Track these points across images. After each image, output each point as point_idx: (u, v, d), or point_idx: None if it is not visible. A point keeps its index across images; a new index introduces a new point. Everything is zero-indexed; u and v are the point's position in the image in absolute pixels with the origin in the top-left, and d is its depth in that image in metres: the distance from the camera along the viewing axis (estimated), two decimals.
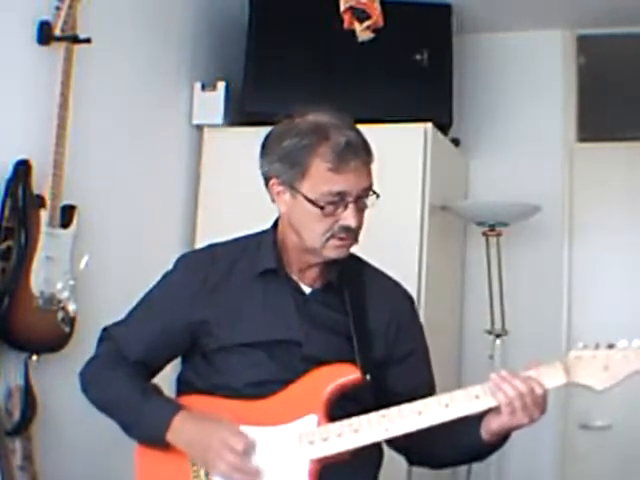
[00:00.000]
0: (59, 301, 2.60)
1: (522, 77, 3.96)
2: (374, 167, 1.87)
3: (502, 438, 1.81)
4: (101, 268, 2.86)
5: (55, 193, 2.60)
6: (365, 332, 1.87)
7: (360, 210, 1.81)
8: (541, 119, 3.92)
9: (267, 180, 1.86)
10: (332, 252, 1.82)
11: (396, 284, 2.03)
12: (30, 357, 2.57)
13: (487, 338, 3.57)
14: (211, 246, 1.98)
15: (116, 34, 3.03)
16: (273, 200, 1.87)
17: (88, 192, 2.83)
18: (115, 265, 3.01)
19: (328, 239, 1.80)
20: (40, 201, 2.59)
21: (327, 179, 1.76)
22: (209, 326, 1.86)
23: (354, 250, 1.94)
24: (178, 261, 1.97)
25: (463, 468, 3.70)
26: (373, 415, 1.74)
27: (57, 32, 2.67)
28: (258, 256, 1.90)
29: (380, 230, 3.29)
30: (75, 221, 2.69)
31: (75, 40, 2.69)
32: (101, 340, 1.97)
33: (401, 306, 1.99)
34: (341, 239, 1.80)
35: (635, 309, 3.65)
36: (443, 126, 3.53)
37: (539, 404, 1.75)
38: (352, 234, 1.81)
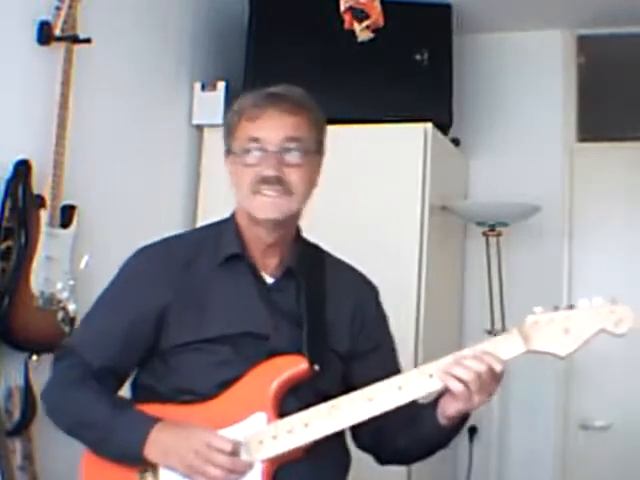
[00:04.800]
0: (59, 301, 2.60)
1: (522, 77, 3.96)
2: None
3: (462, 420, 1.74)
4: (101, 268, 2.85)
5: (55, 193, 2.60)
6: (320, 321, 1.80)
7: (285, 163, 1.75)
8: (541, 119, 3.92)
9: (225, 162, 1.86)
10: (258, 210, 1.76)
11: (360, 275, 1.96)
12: (30, 357, 2.57)
13: (487, 338, 3.57)
14: (167, 239, 1.89)
15: (116, 34, 3.03)
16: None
17: (88, 192, 2.83)
18: (115, 265, 2.98)
19: (254, 195, 1.75)
20: (40, 201, 2.59)
21: (245, 128, 1.77)
22: (170, 319, 1.76)
23: (318, 241, 1.92)
24: (135, 256, 1.88)
25: (463, 469, 3.71)
26: (323, 406, 1.67)
27: (57, 32, 2.67)
28: (220, 244, 1.83)
29: (380, 230, 3.32)
30: (75, 221, 2.69)
31: (75, 40, 2.69)
32: (59, 358, 1.84)
33: (366, 298, 1.92)
34: (265, 194, 1.74)
35: (635, 309, 3.64)
36: (443, 126, 3.53)
37: (496, 380, 1.66)
38: (278, 189, 1.74)
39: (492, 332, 3.58)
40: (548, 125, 3.91)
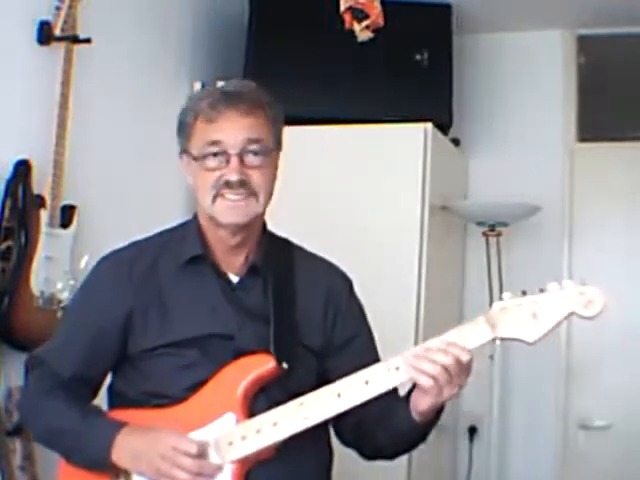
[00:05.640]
0: (59, 301, 2.60)
1: (522, 77, 3.96)
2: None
3: (437, 413, 1.69)
4: None
5: (55, 193, 2.60)
6: (289, 318, 1.76)
7: (248, 165, 1.72)
8: (541, 119, 3.92)
9: (180, 160, 1.84)
10: (223, 215, 1.73)
11: (331, 266, 1.91)
12: None
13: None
14: (134, 243, 1.88)
15: (116, 34, 3.03)
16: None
17: (88, 192, 2.83)
18: None
19: (215, 198, 1.72)
20: (40, 201, 2.59)
21: (204, 131, 1.73)
22: (136, 323, 1.76)
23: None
24: (99, 262, 1.86)
25: (463, 469, 3.71)
26: (291, 404, 1.65)
27: (57, 32, 2.67)
28: (182, 246, 1.81)
29: (380, 230, 3.32)
30: (75, 221, 2.69)
31: (75, 40, 2.69)
32: (30, 368, 1.84)
33: (338, 290, 1.87)
34: (228, 198, 1.71)
35: (635, 309, 3.65)
36: (443, 126, 3.53)
37: (465, 371, 1.60)
38: (242, 192, 1.71)
39: None
40: (548, 125, 3.91)
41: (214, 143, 1.72)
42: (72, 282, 2.64)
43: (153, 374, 1.75)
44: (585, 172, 3.86)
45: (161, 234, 1.89)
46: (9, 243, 2.51)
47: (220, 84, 1.82)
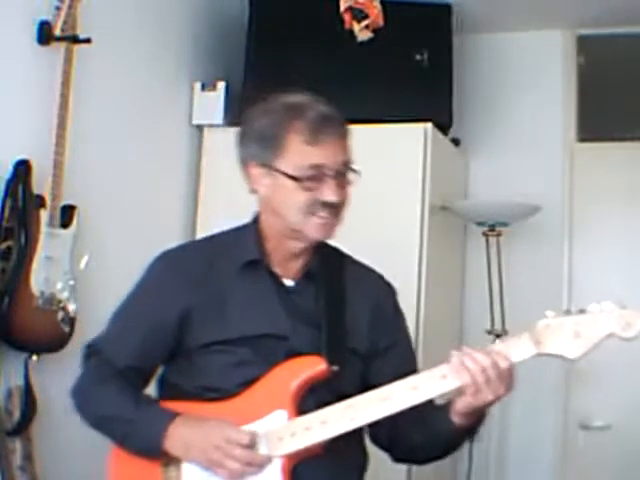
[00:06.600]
0: (59, 301, 2.61)
1: (522, 77, 3.96)
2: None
3: (475, 420, 1.76)
4: (101, 268, 2.86)
5: (55, 193, 2.60)
6: (339, 323, 1.84)
7: (342, 187, 1.80)
8: (541, 119, 3.92)
9: (245, 165, 1.85)
10: (315, 232, 1.80)
11: (379, 276, 2.01)
12: (30, 357, 2.58)
13: (487, 338, 3.57)
14: (190, 243, 1.96)
15: (116, 34, 3.03)
16: (251, 186, 1.85)
17: (88, 192, 2.83)
18: (115, 265, 3.01)
19: (309, 216, 1.78)
20: (40, 201, 2.59)
21: (304, 153, 1.76)
22: (193, 320, 1.82)
23: (338, 244, 1.94)
24: (157, 260, 1.92)
25: (463, 469, 3.70)
26: (339, 405, 1.72)
27: (57, 32, 2.68)
28: (239, 250, 1.87)
29: (380, 230, 3.32)
30: (75, 221, 2.70)
31: (75, 40, 2.69)
32: (86, 357, 1.91)
33: (384, 299, 1.97)
34: (323, 217, 1.78)
35: (635, 309, 3.65)
36: (443, 126, 3.53)
37: (504, 379, 1.68)
38: (334, 212, 1.79)
39: (492, 332, 3.58)
40: (548, 125, 3.91)
41: (316, 166, 1.76)
42: (72, 282, 2.64)
43: (207, 369, 1.81)
44: (585, 172, 3.86)
45: (215, 236, 1.95)
46: (9, 243, 2.52)
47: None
